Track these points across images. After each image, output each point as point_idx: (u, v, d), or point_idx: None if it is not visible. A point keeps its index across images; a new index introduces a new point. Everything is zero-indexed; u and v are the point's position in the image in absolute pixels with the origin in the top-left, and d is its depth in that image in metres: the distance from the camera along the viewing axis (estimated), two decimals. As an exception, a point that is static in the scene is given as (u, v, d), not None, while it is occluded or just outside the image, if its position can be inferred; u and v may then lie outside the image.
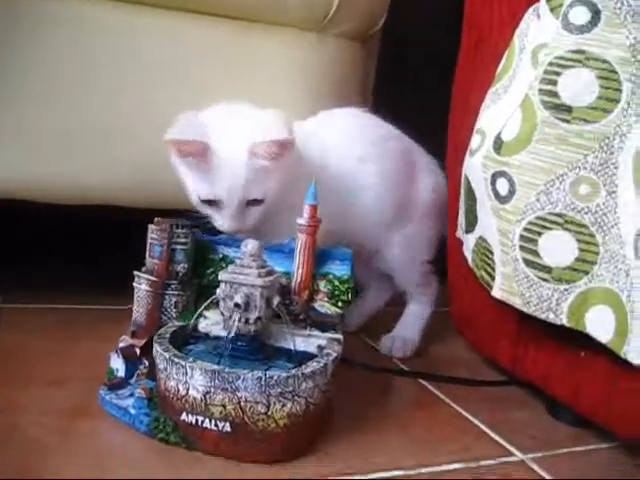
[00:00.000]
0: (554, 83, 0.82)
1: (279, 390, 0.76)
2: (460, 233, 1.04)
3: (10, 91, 1.06)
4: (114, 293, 1.25)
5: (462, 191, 1.00)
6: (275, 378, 0.75)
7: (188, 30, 1.14)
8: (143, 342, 0.89)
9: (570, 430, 0.94)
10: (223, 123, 0.95)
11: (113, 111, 1.12)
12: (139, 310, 0.91)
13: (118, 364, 0.88)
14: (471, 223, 0.97)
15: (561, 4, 0.85)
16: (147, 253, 0.91)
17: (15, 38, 1.05)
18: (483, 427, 0.92)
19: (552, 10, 0.88)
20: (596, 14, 0.80)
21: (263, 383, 0.75)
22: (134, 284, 0.91)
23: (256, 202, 0.95)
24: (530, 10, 0.93)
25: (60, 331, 1.11)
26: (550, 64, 0.83)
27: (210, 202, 0.95)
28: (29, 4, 1.06)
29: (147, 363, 0.87)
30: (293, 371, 0.77)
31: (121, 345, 0.89)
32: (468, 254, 0.99)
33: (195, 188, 0.95)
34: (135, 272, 0.91)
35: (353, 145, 1.10)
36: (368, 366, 1.07)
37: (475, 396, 1.02)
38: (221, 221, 0.95)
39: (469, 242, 0.99)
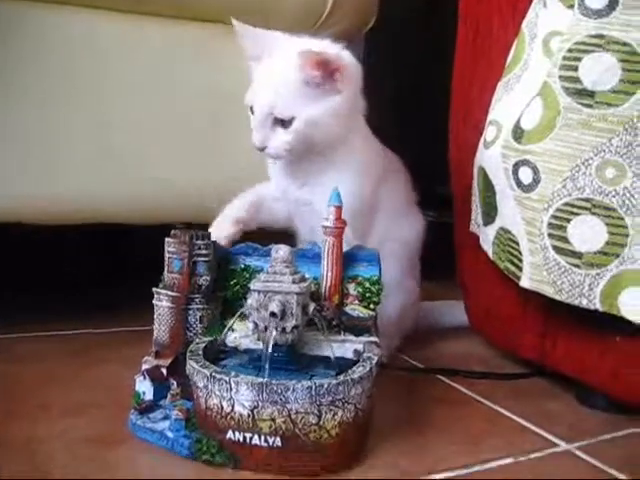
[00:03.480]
0: (575, 69, 0.82)
1: (330, 398, 0.73)
2: (475, 227, 1.03)
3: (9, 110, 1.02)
4: (113, 315, 1.22)
5: (477, 184, 1.00)
6: (325, 386, 0.72)
7: (174, 34, 1.12)
8: (169, 361, 0.85)
9: (605, 417, 0.93)
10: (281, 37, 0.97)
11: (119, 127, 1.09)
12: (161, 328, 0.86)
13: (145, 387, 0.83)
14: (490, 215, 0.96)
15: (572, -10, 0.85)
16: (165, 268, 0.87)
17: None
18: (521, 420, 0.91)
19: (560, -2, 0.88)
20: (614, -3, 0.80)
21: (314, 393, 0.72)
22: (154, 301, 0.86)
23: (284, 124, 0.92)
24: (535, -1, 0.93)
25: (67, 358, 1.05)
26: (569, 50, 0.83)
27: (252, 111, 0.95)
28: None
29: (175, 383, 0.83)
30: (342, 377, 0.74)
31: (146, 367, 0.84)
32: (488, 247, 0.99)
33: (247, 93, 0.96)
34: (154, 289, 0.86)
35: None
36: (390, 366, 1.05)
37: (502, 391, 1.00)
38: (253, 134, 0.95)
39: (488, 235, 0.98)
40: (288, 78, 0.91)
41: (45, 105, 1.04)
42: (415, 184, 1.14)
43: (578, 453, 0.83)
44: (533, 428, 0.89)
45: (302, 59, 0.89)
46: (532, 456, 0.81)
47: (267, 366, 0.77)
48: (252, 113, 0.95)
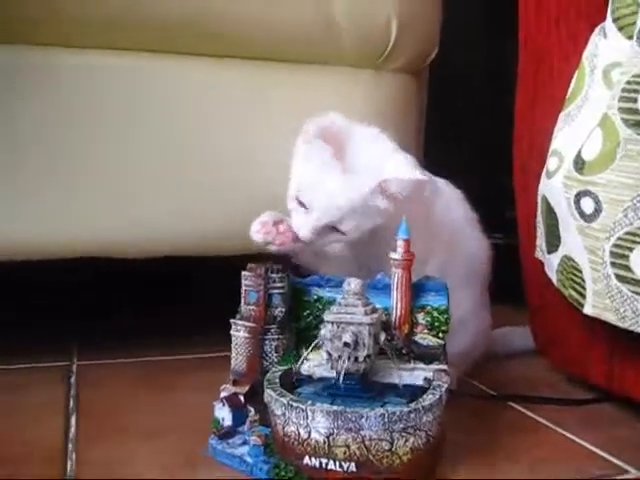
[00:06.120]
0: (634, 101, 0.84)
1: (402, 425, 0.76)
2: (540, 254, 1.05)
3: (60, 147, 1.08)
4: (178, 342, 1.29)
5: (540, 213, 1.02)
6: (397, 414, 0.76)
7: (237, 75, 1.14)
8: (246, 389, 0.89)
9: (676, 442, 0.94)
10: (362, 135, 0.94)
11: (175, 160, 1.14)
12: (238, 358, 0.91)
13: (224, 413, 0.88)
14: (553, 243, 0.98)
15: (632, 22, 0.87)
16: (242, 300, 0.92)
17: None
18: (590, 447, 0.92)
19: (620, 29, 0.90)
20: (671, 30, 0.82)
21: (386, 420, 0.75)
22: (231, 332, 0.91)
23: (338, 232, 0.94)
24: (596, 30, 0.95)
25: (144, 384, 1.11)
26: (628, 82, 0.84)
27: (302, 203, 0.94)
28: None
29: (253, 410, 0.88)
30: (413, 405, 0.77)
31: (225, 394, 0.89)
32: (552, 274, 1.00)
33: (300, 179, 0.94)
34: (231, 320, 0.91)
35: None
36: (462, 393, 1.06)
37: (571, 416, 1.01)
38: (299, 226, 0.94)
39: (553, 262, 0.99)
40: (362, 198, 0.91)
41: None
42: (481, 207, 1.15)
43: (648, 479, 0.84)
44: (603, 454, 0.89)
45: (385, 188, 0.91)
46: (602, 483, 0.83)
47: (340, 394, 0.81)
48: (300, 204, 0.94)
